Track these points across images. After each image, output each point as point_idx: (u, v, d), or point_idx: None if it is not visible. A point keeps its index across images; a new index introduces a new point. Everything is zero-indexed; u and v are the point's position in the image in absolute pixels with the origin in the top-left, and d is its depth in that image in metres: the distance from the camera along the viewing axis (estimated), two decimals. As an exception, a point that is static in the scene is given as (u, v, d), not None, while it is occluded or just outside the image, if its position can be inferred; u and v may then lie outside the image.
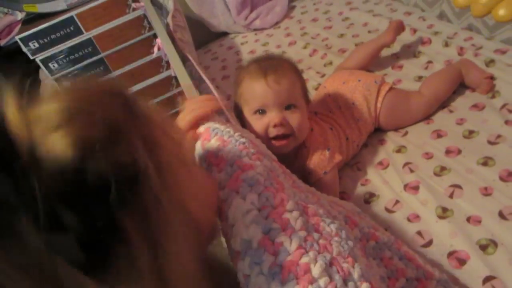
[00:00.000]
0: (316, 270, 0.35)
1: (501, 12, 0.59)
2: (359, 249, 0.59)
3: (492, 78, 0.97)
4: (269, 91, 0.79)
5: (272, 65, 0.82)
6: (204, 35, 1.65)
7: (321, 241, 0.48)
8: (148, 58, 1.74)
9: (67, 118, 0.26)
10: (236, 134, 0.59)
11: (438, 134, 0.92)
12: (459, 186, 0.79)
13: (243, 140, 0.57)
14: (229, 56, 1.52)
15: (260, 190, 0.44)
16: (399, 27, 1.13)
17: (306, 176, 0.86)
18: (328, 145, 0.87)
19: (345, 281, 0.36)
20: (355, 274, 0.38)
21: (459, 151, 0.86)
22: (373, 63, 1.15)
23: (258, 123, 0.81)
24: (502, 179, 0.77)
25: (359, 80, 0.98)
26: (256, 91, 0.80)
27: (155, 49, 1.13)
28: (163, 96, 1.71)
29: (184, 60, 1.06)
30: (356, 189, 0.90)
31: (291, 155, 0.87)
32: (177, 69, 0.92)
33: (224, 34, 1.67)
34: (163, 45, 1.03)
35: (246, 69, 0.85)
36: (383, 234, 0.63)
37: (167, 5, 1.35)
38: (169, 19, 1.20)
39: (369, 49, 1.12)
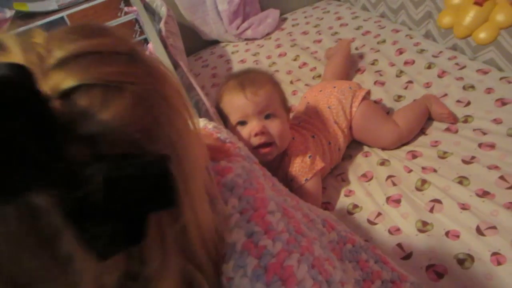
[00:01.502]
0: (300, 272, 0.36)
1: (482, 35, 0.61)
2: (336, 253, 0.61)
3: (454, 117, 0.99)
4: (248, 103, 0.82)
5: (249, 78, 0.86)
6: (196, 42, 1.66)
7: (303, 243, 0.49)
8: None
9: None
10: (215, 136, 0.61)
11: (413, 155, 0.94)
12: (439, 201, 0.81)
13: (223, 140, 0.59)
14: (220, 64, 1.53)
15: (240, 193, 0.45)
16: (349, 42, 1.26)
17: (289, 183, 0.88)
18: (309, 152, 0.89)
19: (327, 282, 0.37)
20: (337, 276, 0.39)
21: (435, 171, 0.88)
22: (347, 73, 1.22)
23: (240, 134, 0.84)
24: (478, 195, 0.79)
25: (334, 87, 1.02)
26: (235, 104, 0.84)
27: (147, 53, 1.13)
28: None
29: (176, 66, 1.07)
30: (340, 200, 0.91)
31: (275, 164, 0.89)
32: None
33: (216, 42, 1.68)
34: (155, 50, 1.04)
35: (225, 85, 0.89)
36: (359, 239, 0.65)
37: (160, 11, 1.36)
38: (162, 25, 1.20)
39: (337, 59, 1.20)
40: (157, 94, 0.29)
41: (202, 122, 0.67)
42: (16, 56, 0.26)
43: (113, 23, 1.69)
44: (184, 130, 0.32)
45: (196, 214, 0.31)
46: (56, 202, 0.22)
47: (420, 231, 0.78)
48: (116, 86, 0.26)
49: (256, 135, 0.82)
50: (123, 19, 1.68)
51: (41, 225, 0.22)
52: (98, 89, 0.26)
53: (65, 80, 0.25)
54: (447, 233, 0.75)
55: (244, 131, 0.83)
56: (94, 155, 0.24)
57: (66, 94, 0.25)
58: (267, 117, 0.83)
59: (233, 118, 0.84)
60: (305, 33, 1.54)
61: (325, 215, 0.72)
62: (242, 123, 0.84)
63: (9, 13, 1.80)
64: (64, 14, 1.66)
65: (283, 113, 0.86)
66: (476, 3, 0.63)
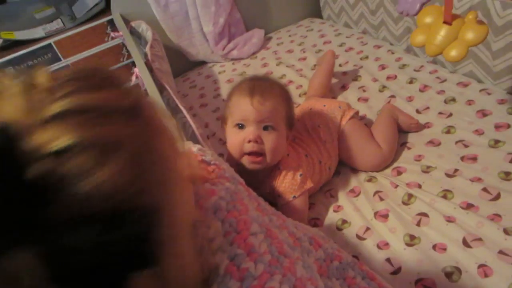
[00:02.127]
0: None
1: (452, 53, 0.64)
2: (323, 270, 0.61)
3: (417, 112, 1.04)
4: (251, 109, 0.83)
5: (262, 86, 0.87)
6: (183, 64, 1.68)
7: (285, 264, 0.49)
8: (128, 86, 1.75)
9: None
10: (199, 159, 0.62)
11: (398, 171, 0.96)
12: (425, 214, 0.82)
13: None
14: (207, 84, 1.55)
15: (223, 216, 0.46)
16: (333, 54, 1.27)
17: (275, 198, 0.88)
18: (301, 170, 0.89)
19: None
20: None
21: (419, 186, 0.89)
22: (329, 89, 1.24)
23: (236, 136, 0.85)
24: (462, 207, 0.80)
25: (324, 105, 1.03)
26: (240, 106, 0.85)
27: (133, 77, 1.15)
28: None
29: (162, 89, 1.08)
30: (328, 215, 0.92)
31: (263, 175, 0.89)
32: (154, 98, 0.93)
33: (203, 63, 1.70)
34: (140, 74, 1.05)
35: (238, 85, 0.91)
36: (347, 256, 0.65)
37: (146, 35, 1.38)
38: (147, 49, 1.22)
39: (321, 76, 1.22)
40: (153, 151, 0.29)
41: (186, 145, 0.67)
42: (12, 100, 0.25)
43: (100, 48, 1.71)
44: (175, 181, 0.32)
45: (183, 267, 0.31)
46: (37, 263, 0.22)
47: (408, 245, 0.78)
48: (113, 146, 0.26)
49: (249, 141, 0.83)
50: (110, 43, 1.70)
51: (22, 286, 0.22)
52: (94, 150, 0.25)
53: (60, 138, 0.24)
54: (434, 246, 0.76)
55: (240, 134, 0.84)
56: (81, 216, 0.23)
57: (59, 151, 0.24)
58: (266, 128, 0.84)
59: (234, 119, 0.85)
60: (290, 51, 1.57)
61: (312, 232, 0.73)
62: (241, 126, 0.85)
63: (-4, 42, 1.81)
64: (51, 41, 1.67)
65: (283, 129, 0.87)
66: (445, 22, 0.65)
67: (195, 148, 0.67)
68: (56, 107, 0.25)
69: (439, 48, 0.63)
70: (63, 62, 1.72)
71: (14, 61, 1.68)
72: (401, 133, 1.04)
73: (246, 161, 0.85)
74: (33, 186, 0.22)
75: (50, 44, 1.67)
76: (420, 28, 0.69)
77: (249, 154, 0.84)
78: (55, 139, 0.24)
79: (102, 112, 0.27)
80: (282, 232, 0.62)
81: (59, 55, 1.71)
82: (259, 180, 0.89)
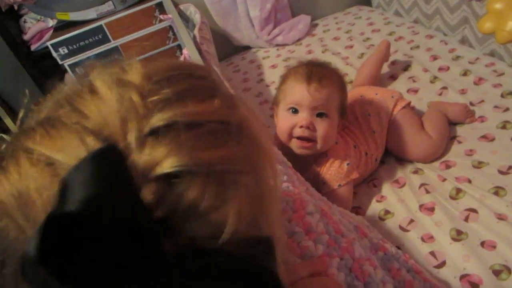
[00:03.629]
0: (338, 279, 0.37)
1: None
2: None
3: (470, 104, 1.01)
4: (307, 95, 0.83)
5: (320, 73, 0.86)
6: (227, 48, 1.69)
7: (343, 244, 0.49)
8: (171, 68, 1.79)
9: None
10: None
11: (447, 165, 0.92)
12: (474, 210, 0.80)
13: None
14: (251, 69, 1.56)
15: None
16: (389, 45, 1.23)
17: (320, 185, 0.88)
18: (349, 160, 0.89)
19: (365, 284, 0.37)
20: (377, 276, 0.39)
21: (469, 181, 0.86)
22: (378, 79, 1.21)
23: (288, 119, 0.85)
24: (517, 205, 0.77)
25: (376, 94, 1.01)
26: (295, 91, 0.85)
27: (181, 59, 1.17)
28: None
29: (209, 71, 1.10)
30: (371, 205, 0.91)
31: (310, 161, 0.89)
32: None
33: (247, 48, 1.71)
34: (190, 56, 1.07)
35: (295, 69, 0.91)
36: (391, 247, 0.64)
37: (194, 18, 1.40)
38: (196, 32, 1.24)
39: (371, 65, 1.19)
40: (264, 181, 0.26)
41: None
42: (108, 105, 0.23)
43: (148, 30, 1.75)
44: (278, 206, 0.30)
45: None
46: None
47: (455, 239, 0.76)
48: (231, 178, 0.23)
49: (301, 127, 0.83)
50: (158, 26, 1.74)
51: None
52: (208, 180, 0.22)
53: (166, 160, 0.21)
54: (482, 243, 0.74)
55: (293, 118, 0.85)
56: (198, 257, 0.20)
57: (165, 177, 0.21)
58: (319, 115, 0.84)
59: (288, 101, 0.86)
60: (336, 38, 1.54)
61: (357, 221, 0.73)
62: (294, 110, 0.85)
63: (51, 23, 1.90)
64: (102, 22, 1.73)
65: (336, 117, 0.86)
66: (518, 8, 0.61)
67: None
68: (154, 121, 0.22)
69: (511, 34, 0.60)
70: (113, 43, 1.78)
71: (68, 41, 1.75)
72: (452, 126, 1.01)
73: (295, 144, 0.85)
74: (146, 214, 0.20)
75: (101, 25, 1.73)
76: (489, 14, 0.66)
77: (299, 138, 0.84)
78: (158, 162, 0.21)
79: (212, 129, 0.24)
80: (334, 217, 0.63)
81: (109, 36, 1.77)
82: (305, 165, 0.89)
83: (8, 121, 1.89)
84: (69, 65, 1.81)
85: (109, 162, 0.19)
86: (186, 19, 1.51)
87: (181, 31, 1.20)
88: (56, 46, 1.76)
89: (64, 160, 0.21)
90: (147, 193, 0.20)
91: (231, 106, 0.27)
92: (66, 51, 1.78)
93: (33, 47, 2.05)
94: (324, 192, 0.87)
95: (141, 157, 0.21)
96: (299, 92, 0.84)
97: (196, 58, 1.04)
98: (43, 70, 2.15)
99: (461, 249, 0.74)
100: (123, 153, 0.21)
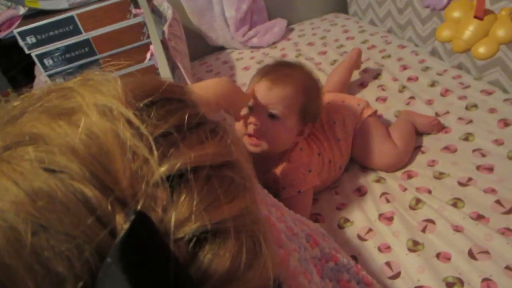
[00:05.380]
0: None
1: (481, 50, 0.59)
2: (317, 270, 0.58)
3: (436, 115, 1.01)
4: (262, 93, 0.81)
5: (280, 72, 0.84)
6: (202, 47, 1.66)
7: (280, 255, 0.47)
8: (143, 65, 1.75)
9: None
10: None
11: (409, 175, 0.92)
12: (432, 221, 0.79)
13: None
14: (224, 70, 1.53)
15: None
16: (360, 53, 1.23)
17: (279, 190, 0.86)
18: (310, 167, 0.87)
19: None
20: None
21: (429, 192, 0.85)
22: (347, 86, 1.20)
23: (244, 117, 0.83)
24: (472, 218, 0.76)
25: (343, 101, 1.00)
26: (256, 87, 0.83)
27: (148, 55, 1.13)
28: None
29: (174, 68, 1.07)
30: (332, 213, 0.89)
31: (271, 162, 0.87)
32: (164, 75, 0.92)
33: (222, 48, 1.68)
34: (154, 51, 1.04)
35: (263, 67, 0.89)
36: (344, 257, 0.62)
37: (166, 13, 1.36)
38: (166, 27, 1.21)
39: (341, 72, 1.18)
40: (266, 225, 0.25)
41: None
42: (117, 164, 0.21)
43: (121, 24, 1.70)
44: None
45: None
46: None
47: (411, 250, 0.75)
48: (252, 234, 0.22)
49: (249, 123, 0.81)
50: (132, 21, 1.69)
51: None
52: (229, 240, 0.21)
53: (187, 224, 0.20)
54: (438, 255, 0.72)
55: (247, 116, 0.83)
56: None
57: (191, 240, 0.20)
58: (270, 116, 0.82)
59: (250, 99, 0.84)
60: (311, 44, 1.53)
61: (311, 229, 0.71)
62: (250, 108, 0.83)
63: (22, 10, 1.83)
64: (74, 13, 1.68)
65: (292, 120, 0.83)
66: (476, 17, 0.61)
67: None
68: (164, 170, 0.21)
69: (467, 43, 0.60)
70: (84, 36, 1.73)
71: (36, 30, 1.69)
72: (418, 135, 1.00)
73: (245, 141, 0.84)
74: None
75: (72, 16, 1.68)
76: (447, 23, 0.65)
77: (250, 136, 0.82)
78: (186, 221, 0.20)
79: (221, 177, 0.23)
80: (280, 224, 0.60)
81: (80, 28, 1.71)
82: (266, 167, 0.87)
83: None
84: (36, 55, 1.74)
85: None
86: (159, 15, 1.48)
87: (150, 26, 1.17)
88: (23, 34, 1.69)
89: None
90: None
91: (224, 137, 0.25)
92: (34, 40, 1.72)
93: (1, 35, 1.97)
94: (283, 198, 0.85)
95: (162, 218, 0.20)
96: (257, 88, 0.83)
97: (159, 54, 1.00)
98: (12, 59, 2.07)
99: (417, 260, 0.73)
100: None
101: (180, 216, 0.20)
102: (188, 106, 0.26)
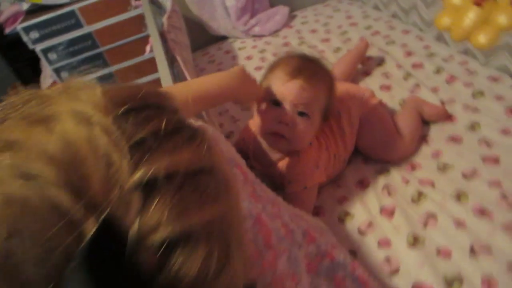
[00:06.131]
0: None
1: (481, 38, 0.56)
2: (312, 266, 0.58)
3: (441, 103, 0.99)
4: (292, 90, 0.77)
5: (310, 70, 0.81)
6: (204, 38, 1.64)
7: (267, 257, 0.46)
8: (146, 56, 1.74)
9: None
10: None
11: (413, 166, 0.90)
12: (434, 216, 0.77)
13: None
14: (226, 60, 1.51)
15: None
16: (367, 46, 1.21)
17: (285, 184, 0.84)
18: (319, 164, 0.85)
19: None
20: None
21: (433, 184, 0.83)
22: (354, 73, 1.17)
23: (267, 111, 0.79)
24: (475, 213, 0.74)
25: (347, 92, 0.96)
26: (281, 83, 0.79)
27: (147, 48, 1.12)
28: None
29: (173, 60, 1.05)
30: (333, 205, 0.88)
31: (280, 156, 0.85)
32: (161, 69, 0.91)
33: (224, 38, 1.66)
34: (152, 44, 1.02)
35: (285, 60, 0.84)
36: (341, 254, 0.61)
37: (166, 5, 1.34)
38: (165, 19, 1.19)
39: (347, 63, 1.15)
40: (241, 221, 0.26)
41: None
42: (91, 170, 0.21)
43: (122, 17, 1.69)
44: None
45: None
46: None
47: (411, 246, 0.73)
48: (230, 233, 0.23)
49: (280, 122, 0.77)
50: (133, 13, 1.68)
51: None
52: (199, 247, 0.21)
53: (158, 230, 0.20)
54: (438, 251, 0.71)
55: (273, 111, 0.79)
56: None
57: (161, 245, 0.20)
58: (300, 114, 0.78)
59: (271, 93, 0.80)
60: (313, 31, 1.50)
61: (309, 224, 0.70)
62: (276, 103, 0.79)
63: (25, 6, 1.83)
64: (75, 7, 1.67)
65: (317, 120, 0.81)
66: (475, 4, 0.57)
67: (195, 124, 0.64)
68: (142, 175, 0.21)
69: (466, 32, 0.56)
70: (86, 29, 1.72)
71: (39, 26, 1.69)
72: (422, 124, 0.97)
73: (268, 138, 0.81)
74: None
75: (73, 10, 1.67)
76: (446, 10, 0.62)
77: (275, 133, 0.79)
78: (159, 226, 0.20)
79: (195, 184, 0.23)
80: (275, 221, 0.59)
81: (82, 21, 1.70)
82: (274, 160, 0.85)
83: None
84: (41, 50, 1.75)
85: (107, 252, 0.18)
86: (159, 6, 1.45)
87: (148, 18, 1.15)
88: (27, 30, 1.70)
89: None
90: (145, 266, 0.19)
91: (200, 144, 0.25)
92: (37, 35, 1.72)
93: (7, 31, 1.98)
94: (288, 192, 0.84)
95: (132, 223, 0.20)
96: (285, 85, 0.78)
97: (157, 47, 0.99)
98: (19, 54, 2.08)
99: (417, 256, 0.71)
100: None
101: (151, 222, 0.20)
102: (166, 112, 0.26)
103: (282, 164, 0.85)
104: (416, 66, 1.15)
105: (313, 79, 0.79)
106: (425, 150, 0.92)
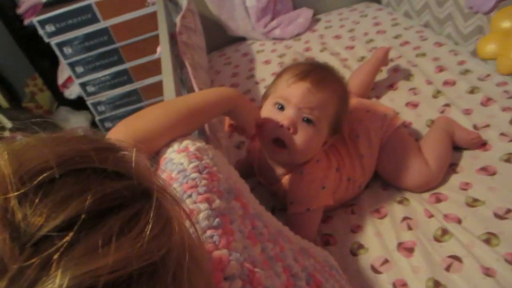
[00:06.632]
0: None
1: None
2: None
3: (474, 128, 0.90)
4: (297, 92, 0.73)
5: (320, 74, 0.76)
6: (221, 38, 1.58)
7: None
8: (155, 56, 1.69)
9: None
10: (191, 166, 0.52)
11: (437, 198, 0.80)
12: (459, 259, 0.68)
13: (194, 175, 0.51)
14: (243, 63, 1.44)
15: None
16: (387, 52, 1.14)
17: (287, 204, 0.78)
18: (325, 184, 0.77)
19: None
20: None
21: (459, 221, 0.74)
22: (370, 88, 1.10)
23: (271, 116, 0.75)
24: (507, 260, 0.65)
25: (367, 111, 0.88)
26: (287, 85, 0.75)
27: (158, 49, 1.06)
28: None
29: (181, 66, 0.99)
30: (345, 235, 0.80)
31: (282, 172, 0.80)
32: (165, 74, 0.85)
33: (242, 39, 1.59)
34: (160, 46, 0.96)
35: (295, 65, 0.81)
36: None
37: (182, 3, 1.28)
38: (178, 20, 1.12)
39: (365, 74, 1.08)
40: None
41: (185, 142, 0.59)
42: None
43: (138, 13, 1.64)
44: None
45: None
46: None
47: (431, 292, 0.65)
48: None
49: (282, 126, 0.72)
50: (149, 9, 1.63)
51: None
52: None
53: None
54: (462, 302, 0.62)
55: (276, 115, 0.74)
56: None
57: None
58: (305, 120, 0.73)
59: (277, 95, 0.76)
60: (337, 37, 1.41)
61: (317, 262, 0.63)
62: (280, 107, 0.74)
63: (43, -2, 1.81)
64: (92, 1, 1.63)
65: (324, 130, 0.75)
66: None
67: (193, 147, 0.58)
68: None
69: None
70: (102, 24, 1.68)
71: (54, 19, 1.66)
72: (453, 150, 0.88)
73: (268, 148, 0.76)
74: None
75: (90, 4, 1.63)
76: (493, 34, 0.52)
77: (275, 141, 0.74)
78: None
79: None
80: (276, 265, 0.53)
81: (98, 16, 1.67)
82: (277, 176, 0.80)
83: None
84: (56, 44, 1.72)
85: None
86: (176, 3, 1.40)
87: (159, 17, 1.09)
88: (42, 23, 1.67)
89: None
90: None
91: (162, 230, 0.21)
92: (53, 28, 1.69)
93: (26, 22, 1.96)
94: (290, 213, 0.78)
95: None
96: (291, 86, 0.74)
97: (164, 49, 0.93)
98: (37, 45, 2.06)
99: (437, 305, 0.63)
100: None
101: None
102: (98, 182, 0.19)
103: (285, 180, 0.79)
104: (448, 83, 1.05)
105: (322, 83, 0.74)
106: (453, 181, 0.83)
